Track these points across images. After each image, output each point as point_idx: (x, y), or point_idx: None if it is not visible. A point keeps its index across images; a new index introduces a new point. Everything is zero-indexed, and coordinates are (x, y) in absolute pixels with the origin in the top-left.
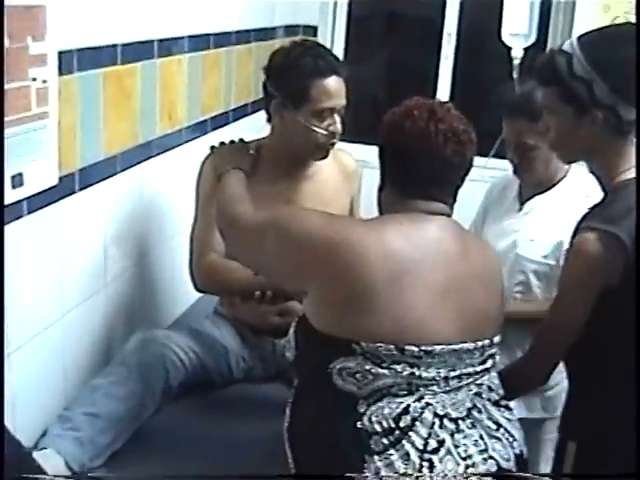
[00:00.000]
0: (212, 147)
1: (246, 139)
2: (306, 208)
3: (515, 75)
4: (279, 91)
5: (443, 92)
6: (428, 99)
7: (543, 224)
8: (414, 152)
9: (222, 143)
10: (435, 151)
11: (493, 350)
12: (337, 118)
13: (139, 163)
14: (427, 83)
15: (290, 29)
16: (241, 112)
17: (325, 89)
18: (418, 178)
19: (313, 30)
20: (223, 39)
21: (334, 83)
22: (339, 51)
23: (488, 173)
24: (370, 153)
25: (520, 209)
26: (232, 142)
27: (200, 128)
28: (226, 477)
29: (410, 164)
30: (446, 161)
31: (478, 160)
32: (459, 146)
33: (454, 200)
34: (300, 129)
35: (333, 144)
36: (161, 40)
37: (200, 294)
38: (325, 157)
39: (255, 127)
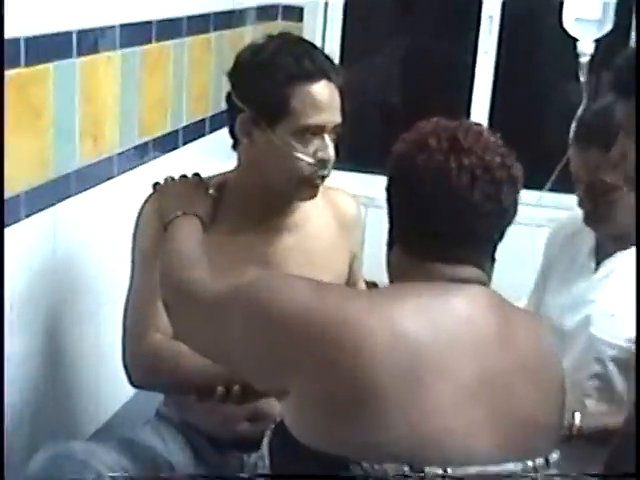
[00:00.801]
0: (155, 185)
1: (203, 172)
2: (287, 273)
3: (583, 78)
4: (248, 102)
5: (480, 101)
6: (451, 120)
7: (628, 293)
8: (430, 197)
9: (170, 179)
10: (459, 196)
11: (549, 473)
12: (328, 140)
13: (51, 205)
14: (458, 88)
15: (265, 11)
16: (196, 131)
17: (311, 99)
18: (438, 233)
19: (298, 12)
20: (170, 28)
21: (325, 91)
22: (334, 42)
23: (544, 214)
24: (376, 186)
25: (596, 270)
26: (183, 177)
27: (137, 155)
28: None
29: (426, 214)
30: (476, 209)
31: (528, 195)
32: (493, 187)
33: (492, 260)
34: (276, 155)
35: (323, 177)
36: (82, 31)
37: (137, 390)
38: (312, 196)
39: (215, 152)
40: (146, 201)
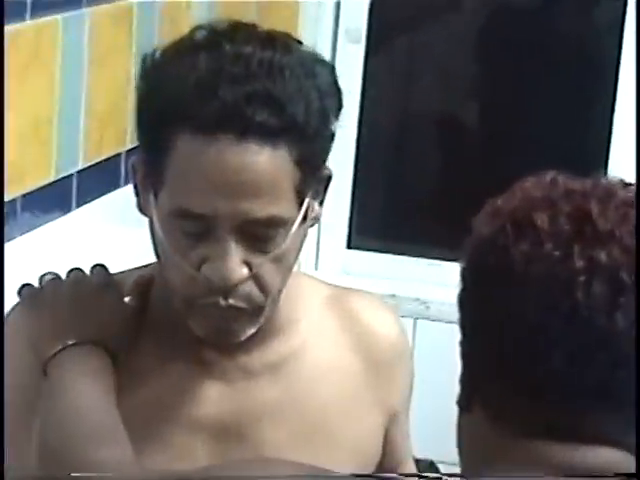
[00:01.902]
0: (23, 287)
1: (115, 262)
2: (271, 458)
3: None
4: (140, 143)
5: (627, 122)
6: (577, 176)
7: None
8: (539, 323)
9: (51, 278)
10: (590, 320)
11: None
12: (230, 248)
13: None
14: (588, 99)
15: None
16: (102, 179)
17: (198, 166)
18: (551, 388)
19: None
20: None
21: (234, 158)
22: (356, 14)
23: None
24: (434, 280)
25: None
26: (75, 274)
27: None
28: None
29: (530, 353)
30: (620, 345)
31: None
32: None
33: None
34: (161, 250)
35: (244, 311)
36: None
37: None
38: (223, 338)
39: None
40: (8, 318)
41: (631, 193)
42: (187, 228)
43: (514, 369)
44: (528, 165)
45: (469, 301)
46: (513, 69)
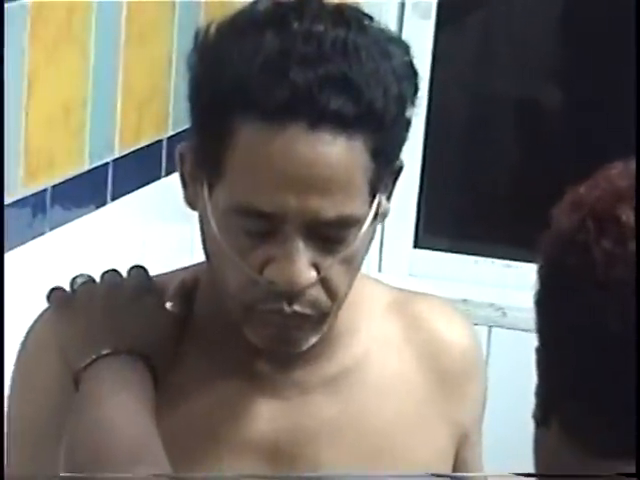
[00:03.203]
0: (53, 291)
1: (154, 263)
2: None
3: None
4: (193, 129)
5: None
6: None
7: None
8: (619, 329)
9: (84, 280)
10: None
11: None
12: (297, 248)
13: None
14: None
15: None
16: (141, 169)
17: (264, 158)
18: (634, 405)
19: None
20: None
21: (304, 149)
22: None
23: None
24: (510, 283)
25: None
26: (110, 275)
27: (23, 220)
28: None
29: (610, 363)
30: None
31: None
32: None
33: None
34: (212, 246)
35: (304, 320)
36: None
37: None
38: (280, 346)
39: (181, 209)
40: (35, 325)
41: None
42: (249, 226)
43: (595, 383)
44: (617, 156)
45: (546, 304)
46: (602, 48)
